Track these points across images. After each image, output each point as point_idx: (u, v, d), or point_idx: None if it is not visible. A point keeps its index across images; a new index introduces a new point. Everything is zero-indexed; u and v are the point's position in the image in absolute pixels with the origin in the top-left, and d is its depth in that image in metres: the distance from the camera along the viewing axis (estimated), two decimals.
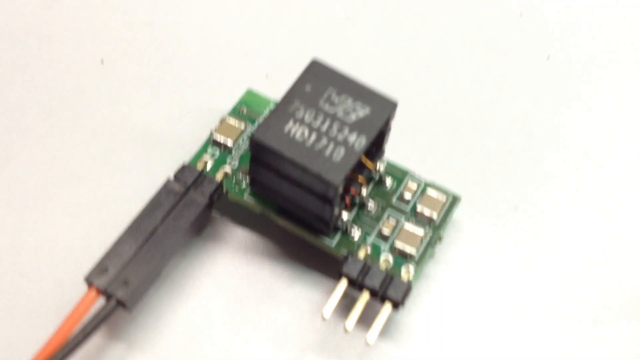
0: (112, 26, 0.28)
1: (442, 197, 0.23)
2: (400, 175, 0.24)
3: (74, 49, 0.28)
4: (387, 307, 0.22)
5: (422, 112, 0.27)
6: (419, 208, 0.23)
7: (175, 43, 0.28)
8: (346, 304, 0.23)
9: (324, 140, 0.21)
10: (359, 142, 0.21)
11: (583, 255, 0.25)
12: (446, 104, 0.28)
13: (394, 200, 0.23)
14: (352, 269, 0.22)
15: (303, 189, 0.21)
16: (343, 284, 0.22)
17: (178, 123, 0.26)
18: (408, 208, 0.23)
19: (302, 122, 0.21)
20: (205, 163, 0.23)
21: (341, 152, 0.21)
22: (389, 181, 0.24)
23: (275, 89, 0.25)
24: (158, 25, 0.29)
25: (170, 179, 0.23)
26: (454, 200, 0.24)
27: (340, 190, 0.21)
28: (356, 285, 0.22)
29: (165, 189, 0.23)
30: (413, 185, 0.24)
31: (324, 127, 0.21)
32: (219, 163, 0.23)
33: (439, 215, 0.23)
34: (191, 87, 0.27)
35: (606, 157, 0.27)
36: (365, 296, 0.22)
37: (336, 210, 0.22)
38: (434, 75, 0.29)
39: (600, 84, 0.29)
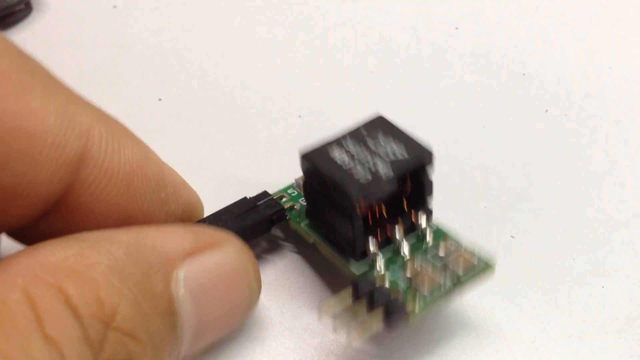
0: (169, 70, 0.31)
1: (473, 260, 0.23)
2: (441, 235, 0.24)
3: (137, 87, 0.31)
4: (380, 324, 0.22)
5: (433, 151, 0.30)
6: (450, 265, 0.23)
7: (222, 86, 0.31)
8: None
9: (359, 167, 0.23)
10: (386, 172, 0.23)
11: (570, 277, 0.26)
12: (455, 145, 0.30)
13: (428, 255, 0.24)
14: (364, 286, 0.22)
15: (335, 208, 0.23)
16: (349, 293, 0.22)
17: (224, 154, 0.29)
18: (439, 263, 0.23)
19: (347, 152, 0.23)
20: (282, 197, 0.26)
21: (368, 176, 0.23)
22: (429, 238, 0.24)
23: (310, 128, 0.28)
24: (210, 71, 0.31)
25: (247, 197, 0.25)
26: (485, 267, 0.23)
27: (361, 208, 0.23)
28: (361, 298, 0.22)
29: (240, 201, 0.25)
30: (450, 246, 0.24)
31: (363, 158, 0.23)
32: (292, 199, 0.26)
33: (465, 274, 0.23)
34: (236, 122, 0.30)
35: (594, 197, 0.29)
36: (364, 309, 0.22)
37: (358, 231, 0.23)
38: (445, 122, 0.31)
39: (590, 134, 0.31)
